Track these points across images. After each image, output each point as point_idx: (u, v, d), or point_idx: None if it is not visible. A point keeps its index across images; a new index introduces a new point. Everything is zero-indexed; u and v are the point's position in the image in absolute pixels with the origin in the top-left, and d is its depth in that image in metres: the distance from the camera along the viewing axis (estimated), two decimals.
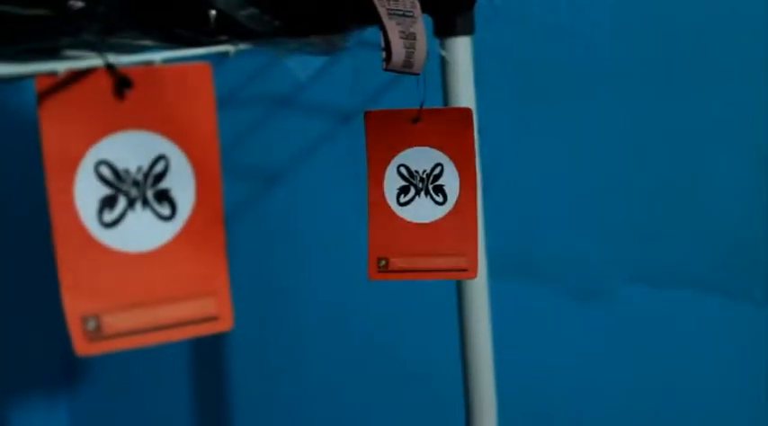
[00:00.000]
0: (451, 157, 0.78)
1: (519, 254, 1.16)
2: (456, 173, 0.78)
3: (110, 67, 0.50)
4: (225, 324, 0.55)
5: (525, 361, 1.17)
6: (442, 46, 0.88)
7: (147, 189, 0.53)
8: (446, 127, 0.77)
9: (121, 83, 0.51)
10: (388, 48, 0.71)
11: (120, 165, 0.53)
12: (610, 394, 1.15)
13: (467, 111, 0.77)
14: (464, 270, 0.79)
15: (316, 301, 1.29)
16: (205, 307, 0.55)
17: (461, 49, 0.88)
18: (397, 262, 0.79)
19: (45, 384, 1.44)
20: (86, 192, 0.52)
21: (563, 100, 1.11)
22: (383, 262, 0.79)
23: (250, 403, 1.37)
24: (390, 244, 0.79)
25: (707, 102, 1.06)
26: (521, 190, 1.15)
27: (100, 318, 0.52)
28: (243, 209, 1.30)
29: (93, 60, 0.50)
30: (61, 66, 0.49)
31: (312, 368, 1.31)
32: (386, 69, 0.72)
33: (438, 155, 0.78)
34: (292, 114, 1.25)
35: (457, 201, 0.78)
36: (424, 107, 0.77)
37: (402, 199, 0.79)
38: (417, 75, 0.73)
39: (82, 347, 0.51)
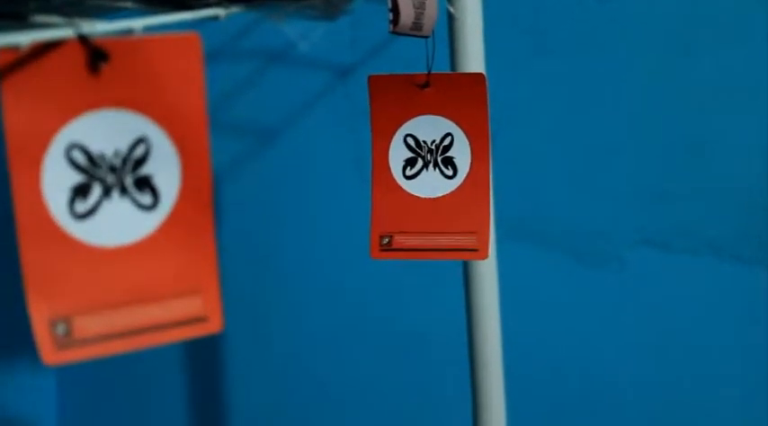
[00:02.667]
0: (463, 127, 0.73)
1: (525, 218, 1.13)
2: (467, 145, 0.73)
3: (82, 39, 0.44)
4: (213, 326, 0.50)
5: (532, 328, 1.15)
6: (451, 1, 0.84)
7: (126, 175, 0.47)
8: (457, 93, 0.72)
9: (96, 56, 0.45)
10: (395, 9, 0.66)
11: (95, 149, 0.46)
12: (618, 361, 1.13)
13: (480, 77, 0.72)
14: (474, 250, 0.74)
15: (313, 266, 1.27)
16: (191, 307, 0.49)
17: (470, 4, 0.84)
18: (401, 240, 0.74)
19: (32, 345, 1.40)
20: (56, 180, 0.46)
21: (574, 56, 1.09)
22: (386, 240, 0.75)
23: (244, 371, 1.35)
24: (395, 220, 0.74)
25: (722, 58, 1.03)
26: (529, 151, 1.12)
27: (70, 321, 0.46)
28: (234, 170, 1.26)
29: (62, 30, 0.44)
30: (25, 39, 0.43)
31: (310, 335, 1.29)
32: (393, 32, 0.67)
33: (448, 125, 0.73)
34: (287, 68, 1.21)
35: (468, 175, 0.74)
36: (433, 71, 0.72)
37: (408, 172, 0.75)
38: (427, 38, 0.69)
39: (49, 355, 0.46)
